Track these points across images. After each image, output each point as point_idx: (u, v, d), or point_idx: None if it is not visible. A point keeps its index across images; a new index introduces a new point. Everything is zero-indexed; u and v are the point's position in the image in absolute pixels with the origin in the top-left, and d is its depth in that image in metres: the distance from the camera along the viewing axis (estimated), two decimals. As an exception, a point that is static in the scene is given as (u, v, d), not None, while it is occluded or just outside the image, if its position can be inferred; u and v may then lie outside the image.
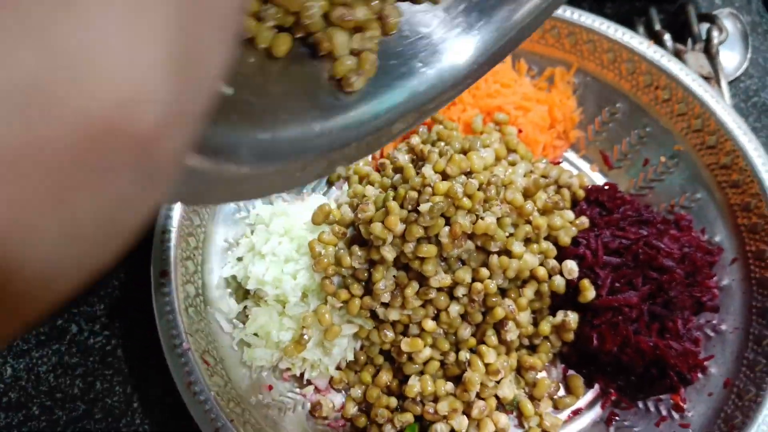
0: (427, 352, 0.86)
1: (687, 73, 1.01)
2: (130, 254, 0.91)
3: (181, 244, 0.87)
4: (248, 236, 0.94)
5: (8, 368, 0.93)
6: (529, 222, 0.88)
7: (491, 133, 0.98)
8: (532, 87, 1.08)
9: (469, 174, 0.85)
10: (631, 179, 1.05)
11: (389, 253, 0.85)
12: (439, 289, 0.86)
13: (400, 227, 0.84)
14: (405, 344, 0.86)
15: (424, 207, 0.81)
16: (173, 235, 0.87)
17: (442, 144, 0.96)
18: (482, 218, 0.83)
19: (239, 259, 0.93)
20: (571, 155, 1.09)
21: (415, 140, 1.00)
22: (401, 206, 0.85)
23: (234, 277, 0.92)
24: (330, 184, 1.07)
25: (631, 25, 1.17)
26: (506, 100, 1.03)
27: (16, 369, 0.93)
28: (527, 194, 0.89)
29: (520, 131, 1.02)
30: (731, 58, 1.19)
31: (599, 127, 1.08)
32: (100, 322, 0.97)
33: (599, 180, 1.07)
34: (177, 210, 0.89)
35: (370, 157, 1.09)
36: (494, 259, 0.85)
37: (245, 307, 0.91)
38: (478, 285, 0.84)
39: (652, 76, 1.02)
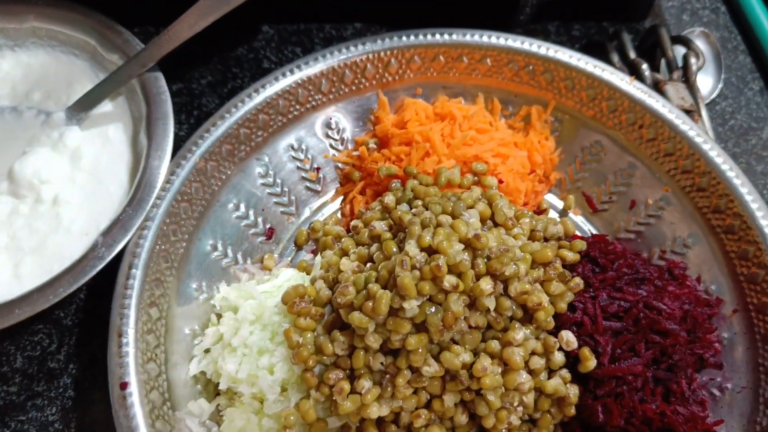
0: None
1: (671, 111, 0.95)
2: (81, 344, 0.80)
3: (141, 346, 0.78)
4: (214, 324, 0.85)
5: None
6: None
7: (472, 189, 0.90)
8: (508, 129, 1.01)
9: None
10: (618, 223, 0.99)
11: (374, 342, 0.77)
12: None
13: (381, 318, 0.76)
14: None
15: (408, 305, 0.74)
16: (131, 338, 0.77)
17: (420, 204, 0.89)
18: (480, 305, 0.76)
19: (207, 351, 0.84)
20: (552, 198, 1.03)
21: (389, 198, 0.92)
22: (384, 287, 0.77)
23: (203, 373, 0.83)
24: (298, 247, 0.98)
25: (602, 49, 1.12)
26: (483, 147, 0.96)
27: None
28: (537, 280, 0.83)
29: (500, 182, 0.95)
30: (705, 81, 1.14)
31: (580, 168, 1.02)
32: (53, 429, 0.86)
33: (583, 223, 1.01)
34: (133, 307, 0.79)
35: (339, 214, 1.01)
36: (494, 346, 0.79)
37: (218, 406, 0.82)
38: (478, 367, 0.77)
39: (635, 115, 0.96)
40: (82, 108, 0.94)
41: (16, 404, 0.87)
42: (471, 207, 0.86)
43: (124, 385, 0.74)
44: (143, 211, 0.84)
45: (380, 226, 0.87)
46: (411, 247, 0.77)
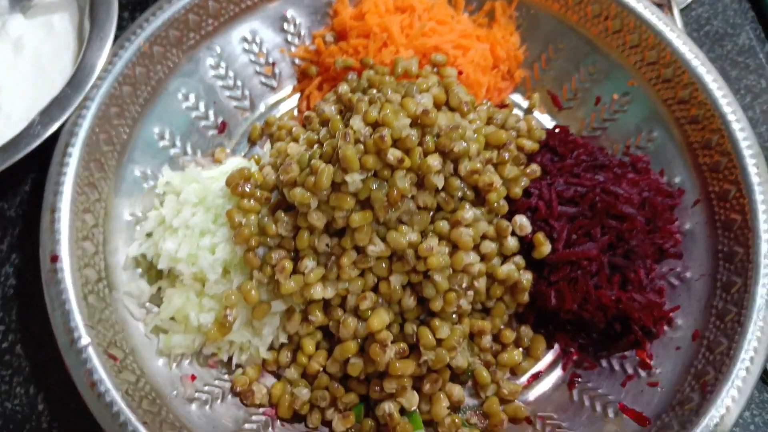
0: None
1: (637, 1, 0.91)
2: (24, 236, 0.78)
3: (76, 223, 0.75)
4: (157, 208, 0.82)
5: None
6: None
7: (428, 77, 0.87)
8: (471, 23, 0.98)
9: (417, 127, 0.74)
10: (583, 120, 0.96)
11: (318, 221, 0.75)
12: (378, 257, 0.77)
13: (325, 193, 0.73)
14: (343, 326, 0.77)
15: (351, 178, 0.71)
16: (64, 214, 0.75)
17: (374, 92, 0.86)
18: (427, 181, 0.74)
19: (149, 234, 0.81)
20: (517, 97, 1.00)
21: (343, 88, 0.88)
22: (328, 163, 0.74)
23: (144, 255, 0.80)
24: (252, 143, 0.95)
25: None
26: (443, 39, 0.93)
27: None
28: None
29: (460, 73, 0.91)
30: (682, -15, 1.10)
31: (545, 65, 0.98)
32: (-7, 316, 0.85)
33: (548, 122, 0.98)
34: (68, 184, 0.76)
35: (296, 111, 0.98)
36: (443, 226, 0.76)
37: (159, 289, 0.80)
38: (423, 247, 0.74)
39: (601, 6, 0.93)
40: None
41: (-44, 292, 0.85)
42: (425, 91, 0.83)
43: (54, 258, 0.72)
44: (82, 91, 0.81)
45: (330, 110, 0.84)
46: (356, 121, 0.74)
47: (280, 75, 0.98)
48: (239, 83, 0.95)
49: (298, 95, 0.99)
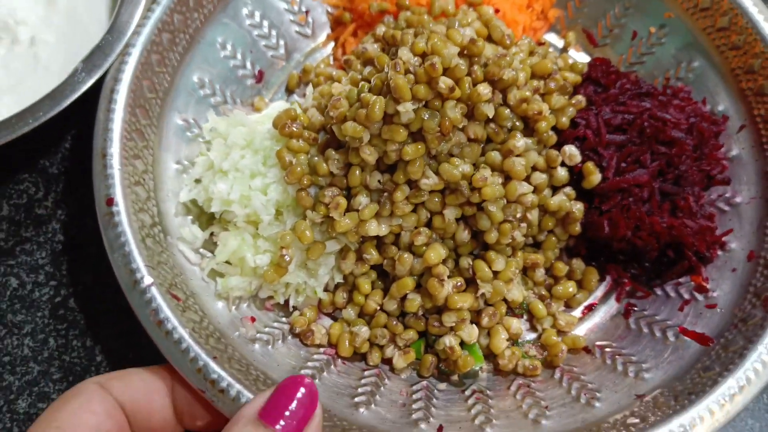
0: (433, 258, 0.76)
1: (673, -71, 0.91)
2: (68, 192, 0.78)
3: (127, 168, 0.75)
4: (204, 154, 0.82)
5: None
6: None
7: (467, 13, 0.86)
8: (505, -38, 0.97)
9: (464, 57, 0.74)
10: (620, 56, 0.95)
11: (370, 155, 0.74)
12: (431, 191, 0.76)
13: (377, 126, 0.73)
14: (399, 262, 0.77)
15: (403, 107, 0.70)
16: (115, 158, 0.74)
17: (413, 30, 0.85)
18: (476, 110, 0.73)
19: (197, 181, 0.81)
20: (551, 37, 0.99)
21: (380, 30, 0.88)
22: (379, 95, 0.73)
23: (194, 201, 0.80)
24: (289, 91, 0.95)
25: None
26: (478, -23, 0.92)
27: (-49, 336, 0.80)
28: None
29: (497, 11, 0.91)
30: None
31: (579, 3, 0.98)
32: (43, 271, 0.84)
33: (585, 61, 0.97)
34: (117, 129, 0.76)
35: (331, 58, 0.97)
36: (495, 157, 0.76)
37: (212, 234, 0.79)
38: (478, 178, 0.74)
39: (635, -63, 0.92)
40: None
41: (4, 249, 0.85)
42: (466, 26, 0.82)
43: (110, 201, 0.71)
44: (123, 38, 0.80)
45: (373, 48, 0.83)
46: (404, 52, 0.74)
47: (314, 23, 0.97)
48: (274, 32, 0.95)
49: (332, 44, 0.98)
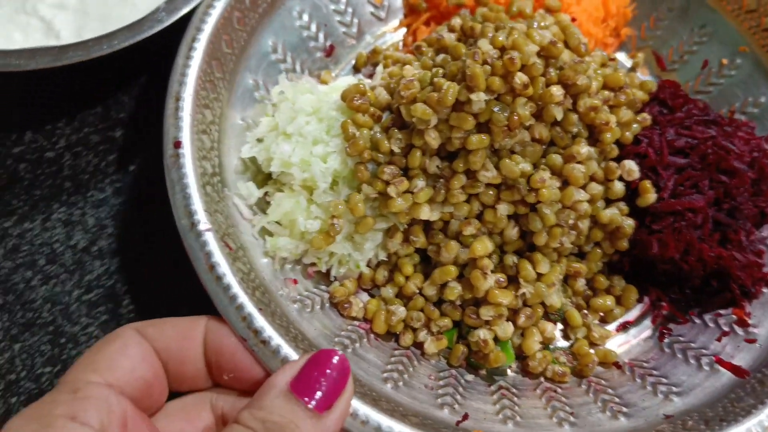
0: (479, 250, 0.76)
1: (759, -34, 0.91)
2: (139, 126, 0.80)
3: (197, 116, 0.76)
4: (269, 115, 0.83)
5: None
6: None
7: (545, 17, 0.87)
8: (586, -26, 0.97)
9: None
10: (686, 82, 0.95)
11: (434, 139, 0.75)
12: (487, 185, 0.77)
13: (446, 111, 0.73)
14: (446, 249, 0.77)
15: (476, 96, 0.71)
16: (187, 103, 0.75)
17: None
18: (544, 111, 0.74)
19: (259, 140, 0.82)
20: (620, 56, 0.99)
21: (456, 21, 0.89)
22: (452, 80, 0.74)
23: (253, 160, 0.81)
24: (356, 70, 0.96)
25: None
26: (559, -17, 0.92)
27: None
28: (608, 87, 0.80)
29: (573, 20, 0.91)
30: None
31: (653, 25, 0.98)
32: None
33: (650, 84, 0.97)
34: (192, 76, 0.77)
35: (401, 44, 0.98)
36: (556, 160, 0.76)
37: (266, 194, 0.80)
38: (537, 178, 0.74)
39: (720, -33, 0.92)
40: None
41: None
42: (544, 29, 0.83)
43: (177, 144, 0.73)
44: (208, -13, 0.82)
45: (449, 36, 0.84)
46: (484, 44, 0.74)
47: (389, 7, 0.98)
48: (350, 10, 0.96)
49: (403, 30, 0.99)
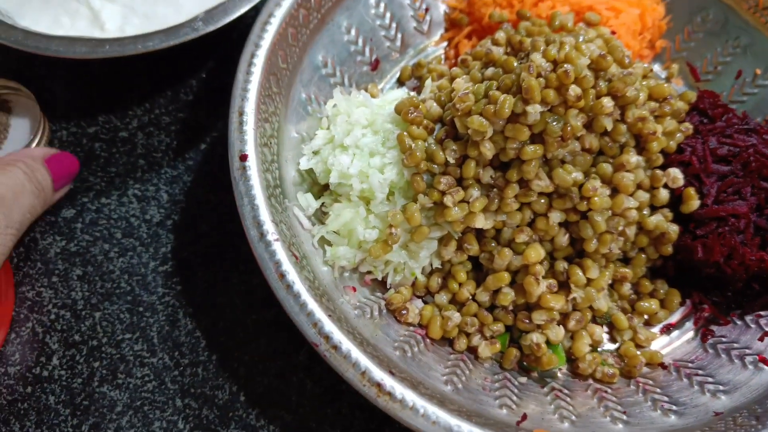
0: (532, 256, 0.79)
1: (791, -21, 0.94)
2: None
3: (259, 129, 0.79)
4: (323, 128, 0.86)
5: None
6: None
7: (588, 31, 0.90)
8: (622, -12, 1.01)
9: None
10: (721, 92, 0.98)
11: (489, 150, 0.78)
12: (539, 193, 0.80)
13: (501, 123, 0.76)
14: (499, 256, 0.80)
15: (532, 108, 0.74)
16: (250, 117, 0.78)
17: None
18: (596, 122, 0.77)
19: (315, 152, 0.85)
20: (655, 67, 1.02)
21: (500, 35, 0.92)
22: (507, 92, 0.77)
23: (309, 172, 0.84)
24: (400, 83, 0.99)
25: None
26: (598, -1, 0.96)
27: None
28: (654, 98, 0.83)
29: (613, 32, 0.94)
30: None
31: (688, 37, 1.01)
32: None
33: (684, 93, 1.00)
34: (253, 91, 0.80)
35: (443, 58, 1.01)
36: (606, 169, 0.79)
37: (322, 205, 0.83)
38: (589, 187, 0.77)
39: (753, -19, 0.95)
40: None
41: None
42: (590, 42, 0.86)
43: (244, 157, 0.75)
44: (249, 2, 0.85)
45: (497, 50, 0.87)
46: (537, 57, 0.77)
47: (431, 21, 1.01)
48: (394, 24, 0.99)
49: (444, 44, 1.02)
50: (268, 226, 0.72)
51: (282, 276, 0.70)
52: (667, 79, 1.01)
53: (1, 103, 0.92)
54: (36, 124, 0.90)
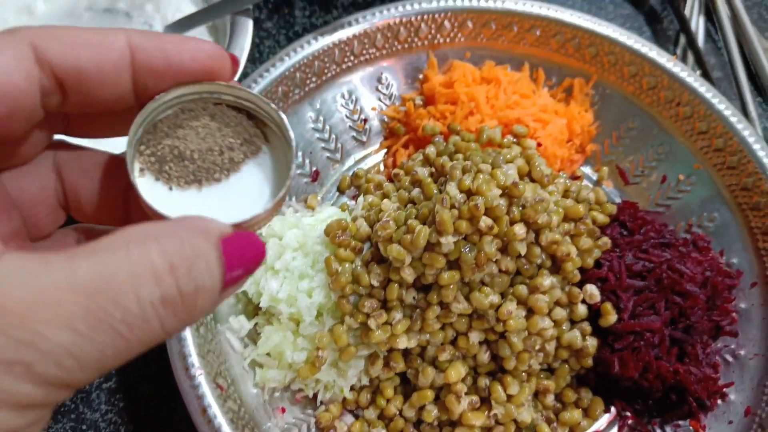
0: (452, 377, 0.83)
1: (708, 90, 0.99)
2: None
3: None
4: (258, 249, 0.90)
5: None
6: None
7: (511, 147, 0.94)
8: (551, 98, 1.05)
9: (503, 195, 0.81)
10: (648, 196, 1.03)
11: (409, 276, 0.82)
12: (459, 314, 0.84)
13: (419, 251, 0.81)
14: (422, 374, 0.84)
15: (445, 240, 0.78)
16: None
17: (461, 157, 0.93)
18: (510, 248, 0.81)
19: (250, 273, 0.89)
20: (586, 169, 1.07)
21: (430, 150, 0.96)
22: (423, 224, 0.81)
23: (244, 292, 0.88)
24: (341, 192, 1.03)
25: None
26: (525, 111, 1.00)
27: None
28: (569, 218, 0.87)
29: (539, 145, 0.99)
30: None
31: (616, 142, 1.06)
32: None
33: (614, 195, 1.04)
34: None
35: (382, 166, 1.06)
36: (522, 290, 0.83)
37: (255, 324, 0.87)
38: (504, 311, 0.81)
39: (674, 92, 1.00)
40: (179, 29, 0.98)
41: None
42: (509, 162, 0.90)
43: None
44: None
45: (422, 172, 0.91)
46: (452, 188, 0.82)
47: (370, 131, 1.06)
48: (333, 136, 1.04)
49: (383, 151, 1.07)
50: (194, 359, 0.76)
51: (204, 410, 0.74)
52: (598, 182, 1.06)
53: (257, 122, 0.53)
54: (286, 170, 0.52)
